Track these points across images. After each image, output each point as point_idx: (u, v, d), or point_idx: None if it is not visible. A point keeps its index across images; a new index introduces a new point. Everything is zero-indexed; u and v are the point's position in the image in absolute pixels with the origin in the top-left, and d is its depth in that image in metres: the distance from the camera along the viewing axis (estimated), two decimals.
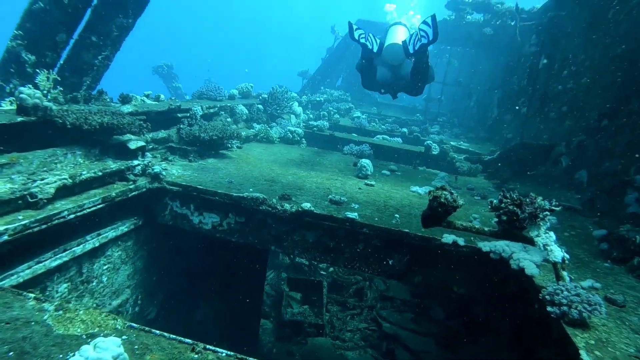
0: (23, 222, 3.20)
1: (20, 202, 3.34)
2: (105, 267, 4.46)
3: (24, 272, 3.41)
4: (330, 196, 4.82)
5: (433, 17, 5.46)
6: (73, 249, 3.88)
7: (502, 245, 3.99)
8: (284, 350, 7.25)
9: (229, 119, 7.36)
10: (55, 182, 3.56)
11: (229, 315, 6.78)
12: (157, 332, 2.23)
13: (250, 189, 4.83)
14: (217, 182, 4.95)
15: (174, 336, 2.21)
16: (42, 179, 3.54)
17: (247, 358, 2.11)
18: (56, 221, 3.48)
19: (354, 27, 6.09)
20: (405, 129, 11.89)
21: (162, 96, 6.58)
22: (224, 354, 2.12)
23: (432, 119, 15.68)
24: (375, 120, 13.77)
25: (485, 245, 4.07)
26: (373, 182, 5.86)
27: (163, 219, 4.99)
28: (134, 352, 2.07)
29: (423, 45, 5.77)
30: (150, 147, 5.53)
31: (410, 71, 6.82)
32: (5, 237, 3.06)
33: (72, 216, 3.63)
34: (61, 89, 4.71)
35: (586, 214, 6.13)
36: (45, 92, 4.52)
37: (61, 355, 1.96)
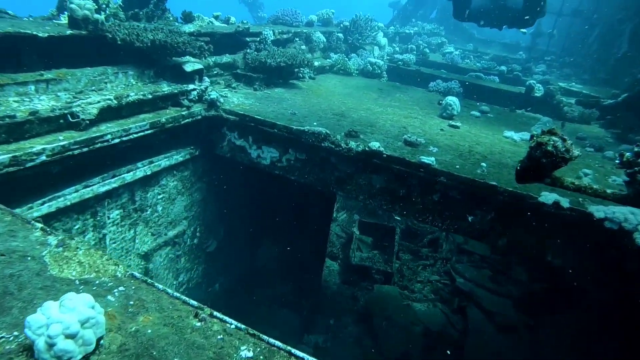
0: (62, 143, 2.90)
1: (61, 121, 3.05)
2: (160, 197, 4.22)
3: (71, 195, 3.20)
4: (405, 136, 4.00)
5: None
6: (123, 175, 3.61)
7: (624, 213, 2.97)
8: (349, 294, 6.89)
9: (303, 47, 6.60)
10: (98, 102, 3.20)
11: (292, 256, 6.51)
12: (160, 286, 1.76)
13: (315, 123, 4.17)
14: (279, 113, 4.35)
15: (178, 295, 1.73)
16: (86, 98, 3.20)
17: (261, 335, 1.57)
18: (99, 144, 3.17)
19: None
20: (504, 67, 10.18)
21: (233, 19, 5.99)
22: (232, 326, 1.59)
23: (538, 58, 13.36)
24: (470, 58, 12.03)
25: (599, 210, 3.08)
26: (459, 124, 4.85)
27: (221, 150, 4.58)
28: (127, 309, 1.63)
29: None
30: (215, 72, 5.05)
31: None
32: (43, 158, 2.79)
33: (116, 140, 3.30)
34: (120, 3, 4.29)
35: None
36: (104, 4, 4.13)
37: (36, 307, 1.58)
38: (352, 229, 8.20)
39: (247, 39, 5.59)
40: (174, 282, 5.03)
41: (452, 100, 5.14)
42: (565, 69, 12.34)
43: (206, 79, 4.37)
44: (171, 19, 4.78)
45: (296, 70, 5.55)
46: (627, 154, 2.39)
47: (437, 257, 8.23)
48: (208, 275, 5.71)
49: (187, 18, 4.84)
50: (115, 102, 3.33)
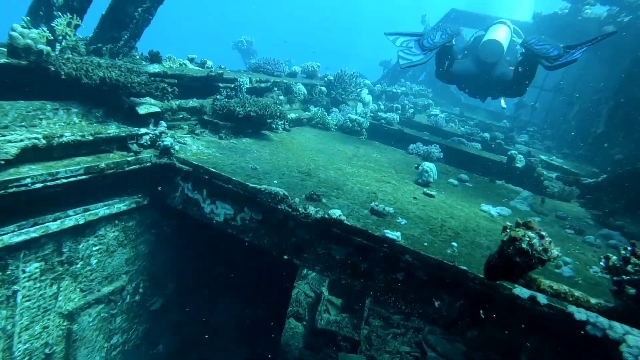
0: None
1: None
2: (95, 248, 3.72)
3: None
4: (373, 203, 3.64)
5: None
6: (47, 223, 3.14)
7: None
8: None
9: (281, 97, 6.39)
10: (21, 140, 2.80)
11: (251, 317, 5.93)
12: None
13: (275, 181, 3.81)
14: (239, 166, 3.99)
15: None
16: (8, 135, 2.80)
17: None
18: (14, 189, 2.73)
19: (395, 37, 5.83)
20: (487, 134, 10.16)
21: (210, 63, 5.76)
22: None
23: (520, 127, 13.55)
24: (454, 121, 12.09)
25: (580, 312, 2.69)
26: (434, 192, 4.55)
27: (173, 201, 4.16)
28: None
29: (567, 62, 5.31)
30: (180, 116, 4.73)
31: (513, 73, 6.21)
32: None
33: (39, 185, 2.86)
34: (80, 37, 4.01)
35: None
36: (61, 36, 3.83)
37: None
38: (321, 288, 7.65)
39: (220, 85, 5.34)
40: (105, 345, 4.40)
41: (429, 166, 4.87)
42: (547, 141, 12.47)
43: (163, 123, 4.02)
44: (138, 57, 4.51)
45: (269, 121, 5.27)
46: (614, 257, 2.05)
47: (409, 325, 7.67)
48: (150, 335, 5.08)
49: (154, 58, 4.57)
50: (44, 141, 2.93)
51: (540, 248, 1.86)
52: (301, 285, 6.91)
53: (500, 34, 6.41)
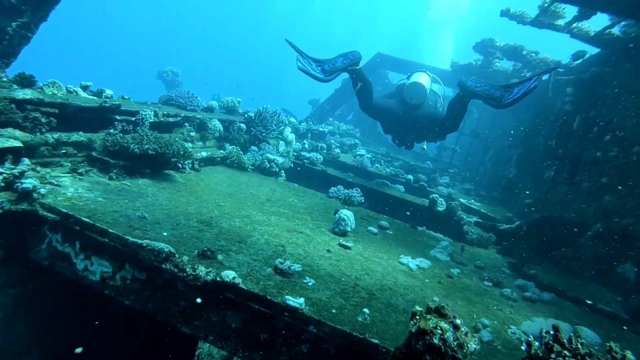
0: None
1: None
2: None
3: None
4: (278, 260, 3.20)
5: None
6: None
7: None
8: None
9: (193, 134, 5.85)
10: None
11: None
12: None
13: (165, 233, 3.25)
14: (124, 214, 3.38)
15: None
16: None
17: None
18: None
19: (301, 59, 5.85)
20: (411, 176, 10.30)
21: (110, 92, 5.12)
22: None
23: (442, 169, 14.10)
24: (380, 162, 12.22)
25: None
26: (350, 244, 4.22)
27: (38, 255, 3.40)
28: None
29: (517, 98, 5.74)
30: (62, 151, 4.02)
31: (446, 112, 6.55)
32: None
33: None
34: None
35: (635, 328, 4.40)
36: None
37: None
38: None
39: (118, 117, 4.71)
40: None
41: (346, 214, 4.57)
42: (466, 183, 13.04)
43: (25, 160, 3.32)
44: (5, 80, 3.79)
45: (174, 159, 4.71)
46: (536, 343, 1.77)
47: None
48: None
49: (26, 82, 3.87)
50: None
51: (455, 344, 1.53)
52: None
53: (423, 80, 6.92)
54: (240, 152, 6.23)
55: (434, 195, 7.88)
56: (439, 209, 7.84)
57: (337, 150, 10.99)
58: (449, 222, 7.70)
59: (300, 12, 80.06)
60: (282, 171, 6.50)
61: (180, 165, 4.97)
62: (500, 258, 5.78)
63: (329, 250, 3.93)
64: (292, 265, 3.16)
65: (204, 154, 5.64)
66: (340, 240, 4.23)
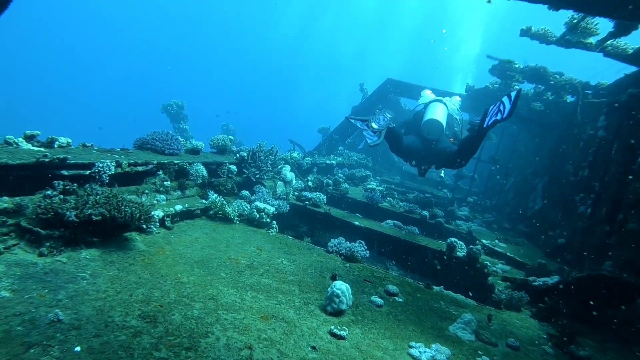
0: None
1: None
2: None
3: None
4: None
5: (517, 93, 4.96)
6: None
7: None
8: None
9: (167, 183, 5.00)
10: None
11: None
12: None
13: (78, 348, 2.33)
14: (29, 317, 2.48)
15: None
16: None
17: None
18: None
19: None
20: (426, 212, 9.24)
21: (65, 140, 4.34)
22: None
23: (461, 199, 12.97)
24: (393, 194, 11.19)
25: None
26: (345, 330, 3.21)
27: None
28: None
29: (496, 121, 5.24)
30: None
31: (457, 146, 6.57)
32: None
33: None
34: None
35: None
36: None
37: None
38: None
39: (65, 173, 3.89)
40: None
41: (340, 289, 3.57)
42: (487, 214, 11.87)
43: None
44: None
45: (135, 222, 3.83)
46: None
47: None
48: None
49: None
50: None
51: None
52: None
53: (439, 114, 6.89)
54: (224, 201, 5.33)
55: (453, 239, 6.83)
56: (458, 254, 6.78)
57: (345, 185, 10.06)
58: (470, 271, 6.62)
59: (306, 30, 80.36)
60: (274, 222, 5.56)
61: (144, 226, 4.08)
62: (536, 326, 4.65)
63: (314, 348, 2.92)
64: None
65: (178, 207, 4.76)
66: (332, 327, 3.22)
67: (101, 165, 4.12)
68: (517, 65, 10.05)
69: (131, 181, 4.70)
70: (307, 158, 10.03)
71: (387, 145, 6.96)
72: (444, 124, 6.88)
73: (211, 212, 5.30)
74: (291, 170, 7.81)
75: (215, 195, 5.39)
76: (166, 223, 4.47)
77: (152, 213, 4.19)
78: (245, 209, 5.52)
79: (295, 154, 9.47)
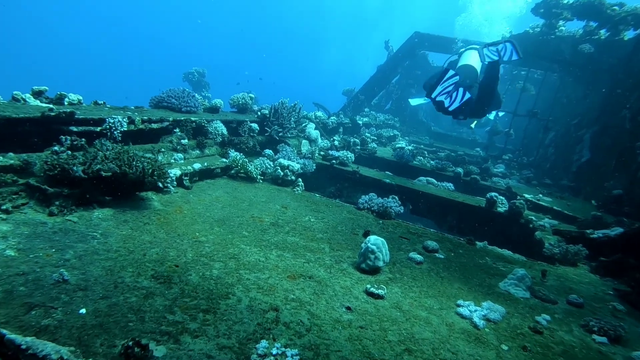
0: None
1: None
2: None
3: None
4: (261, 345, 1.91)
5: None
6: None
7: None
8: None
9: (185, 141, 4.66)
10: None
11: None
12: None
13: (83, 310, 2.05)
14: (33, 277, 2.23)
15: None
16: None
17: None
18: None
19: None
20: (460, 169, 8.64)
21: (75, 97, 4.05)
22: None
23: (496, 156, 12.19)
24: (423, 154, 10.57)
25: None
26: (383, 289, 2.83)
27: None
28: None
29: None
30: None
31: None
32: None
33: None
34: None
35: None
36: None
37: None
38: None
39: (74, 129, 3.60)
40: None
41: (376, 244, 3.17)
42: (525, 171, 11.09)
43: None
44: None
45: (149, 179, 3.52)
46: None
47: None
48: None
49: None
50: None
51: None
52: None
53: (474, 60, 6.52)
54: (246, 159, 4.97)
55: (492, 194, 6.28)
56: (499, 209, 6.25)
57: (373, 144, 9.52)
58: (513, 228, 6.09)
59: None
60: (300, 180, 5.17)
61: (161, 185, 3.78)
62: (598, 281, 4.14)
63: (349, 308, 2.56)
64: (281, 352, 1.84)
65: (197, 166, 4.43)
66: (369, 286, 2.84)
67: (112, 121, 3.81)
68: (565, 1, 8.95)
69: (147, 140, 4.39)
70: (332, 117, 9.51)
71: (412, 107, 6.64)
72: (479, 70, 6.48)
73: (232, 172, 4.96)
74: (316, 129, 7.35)
75: (236, 153, 5.04)
76: (184, 182, 4.16)
77: (168, 170, 3.87)
78: (269, 166, 5.16)
79: (319, 113, 8.98)
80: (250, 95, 6.58)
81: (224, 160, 4.98)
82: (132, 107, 4.70)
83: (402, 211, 4.98)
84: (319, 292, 2.69)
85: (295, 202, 4.67)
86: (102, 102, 4.45)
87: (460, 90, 6.37)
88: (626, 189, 6.88)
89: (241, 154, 5.04)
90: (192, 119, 4.94)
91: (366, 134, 10.41)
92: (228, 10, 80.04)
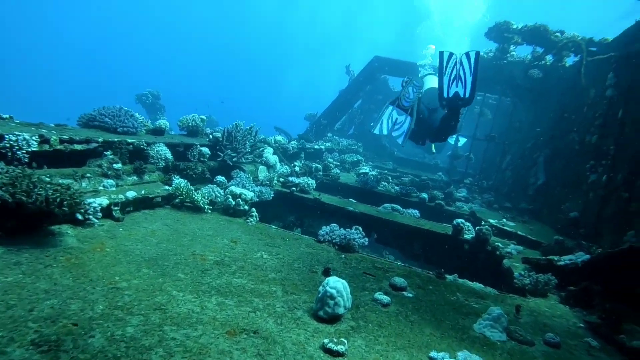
0: None
1: None
2: None
3: None
4: None
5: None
6: None
7: None
8: None
9: (118, 166, 4.02)
10: None
11: None
12: None
13: None
14: None
15: None
16: None
17: None
18: None
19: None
20: (425, 194, 8.38)
21: None
22: None
23: (458, 181, 12.14)
24: (387, 179, 10.32)
25: None
26: (342, 345, 2.30)
27: None
28: None
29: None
30: None
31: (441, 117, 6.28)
32: None
33: None
34: None
35: None
36: None
37: None
38: None
39: None
40: None
41: (335, 287, 2.65)
42: (486, 195, 11.03)
43: None
44: None
45: (59, 210, 2.86)
46: None
47: None
48: None
49: None
50: None
51: None
52: None
53: (437, 83, 6.38)
54: (192, 187, 4.37)
55: (459, 221, 5.98)
56: (465, 237, 5.95)
57: (336, 170, 9.14)
58: (480, 255, 5.80)
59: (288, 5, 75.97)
60: (253, 210, 4.61)
61: (80, 217, 3.12)
62: (569, 313, 3.81)
63: None
64: None
65: (131, 194, 3.79)
66: (326, 341, 2.31)
67: (14, 139, 3.15)
68: (515, 26, 9.14)
69: (71, 163, 3.72)
70: (293, 142, 9.07)
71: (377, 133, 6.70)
72: None
73: (176, 201, 4.35)
74: (274, 154, 6.86)
75: (181, 180, 4.43)
76: (113, 213, 3.51)
77: (93, 199, 3.23)
78: (218, 195, 4.58)
79: (279, 138, 8.52)
80: (202, 117, 6.03)
81: (167, 187, 4.36)
82: (52, 125, 4.03)
83: (366, 243, 4.53)
84: (265, 352, 2.13)
85: (247, 235, 4.09)
86: (7, 116, 3.76)
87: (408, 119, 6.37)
88: (580, 210, 6.80)
89: (187, 181, 4.43)
90: (129, 140, 4.31)
91: (329, 159, 10.03)
92: (191, 32, 79.00)
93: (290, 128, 14.42)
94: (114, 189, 3.80)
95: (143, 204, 4.01)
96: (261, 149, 6.42)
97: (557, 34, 8.58)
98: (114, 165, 3.96)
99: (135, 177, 4.25)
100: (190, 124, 5.86)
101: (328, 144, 12.12)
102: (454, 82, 5.80)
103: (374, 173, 10.86)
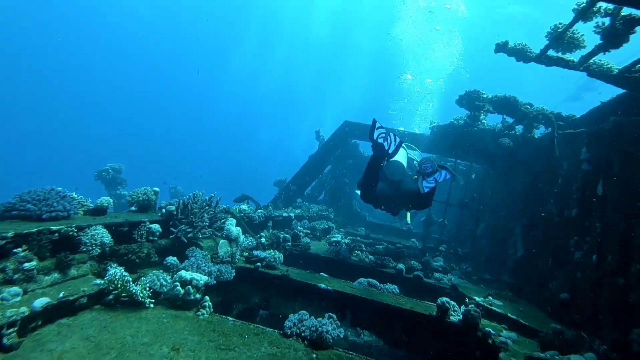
0: None
1: None
2: None
3: None
4: None
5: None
6: None
7: None
8: None
9: (33, 263, 3.20)
10: None
11: None
12: None
13: None
14: None
15: None
16: None
17: None
18: None
19: (377, 125, 5.85)
20: (401, 265, 7.79)
21: None
22: None
23: (433, 248, 11.65)
24: (361, 247, 9.72)
25: None
26: None
27: None
28: None
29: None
30: None
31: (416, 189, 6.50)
32: None
33: None
34: None
35: None
36: None
37: None
38: None
39: None
40: None
41: None
42: (464, 264, 10.50)
43: None
44: None
45: None
46: None
47: None
48: None
49: None
50: None
51: None
52: None
53: (401, 156, 6.73)
54: (130, 277, 3.57)
55: (443, 300, 5.38)
56: (452, 319, 5.31)
57: (306, 239, 8.46)
58: (470, 342, 5.13)
59: (262, 64, 76.02)
60: (206, 298, 3.82)
61: None
62: None
63: None
64: None
65: (40, 302, 2.91)
66: None
67: None
68: (485, 95, 9.24)
69: None
70: (259, 211, 8.41)
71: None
72: (405, 164, 6.80)
73: (110, 297, 3.51)
74: (238, 225, 6.16)
75: (118, 269, 3.63)
76: (4, 340, 2.63)
77: None
78: (164, 283, 3.78)
79: (244, 207, 7.85)
80: (155, 189, 5.34)
81: (99, 281, 3.54)
82: None
83: (341, 335, 3.79)
84: None
85: (196, 335, 3.27)
86: None
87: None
88: (569, 291, 6.32)
89: (123, 269, 3.64)
90: (53, 228, 3.52)
91: (298, 227, 9.38)
92: (159, 94, 78.48)
93: (260, 195, 13.80)
94: (17, 299, 2.94)
95: (60, 310, 3.14)
96: (222, 221, 5.72)
97: (527, 105, 8.70)
98: (25, 265, 3.13)
99: (56, 275, 3.41)
100: (141, 199, 5.14)
101: (298, 211, 11.52)
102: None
103: (346, 241, 10.25)
